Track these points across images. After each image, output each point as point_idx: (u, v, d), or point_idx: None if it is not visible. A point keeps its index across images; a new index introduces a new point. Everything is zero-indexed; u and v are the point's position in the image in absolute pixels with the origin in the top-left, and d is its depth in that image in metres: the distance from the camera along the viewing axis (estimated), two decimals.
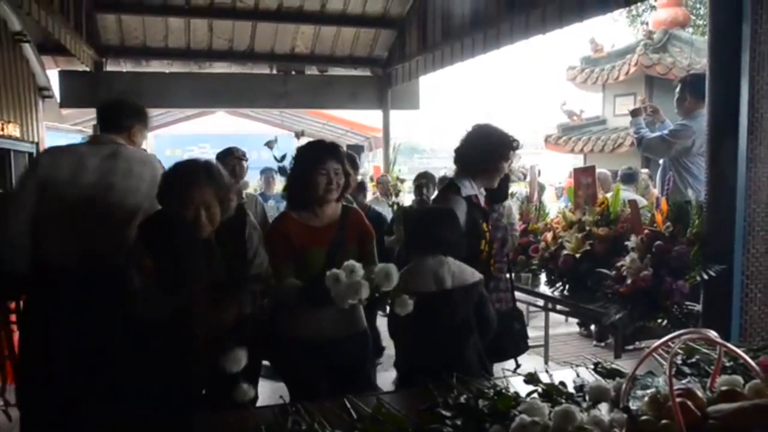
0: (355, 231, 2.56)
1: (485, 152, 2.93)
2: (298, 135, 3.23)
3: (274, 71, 8.83)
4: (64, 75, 7.99)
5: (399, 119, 9.76)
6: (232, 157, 4.16)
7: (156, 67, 8.54)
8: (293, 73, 8.84)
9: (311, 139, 2.90)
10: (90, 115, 9.29)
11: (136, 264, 2.19)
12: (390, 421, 1.46)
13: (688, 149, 4.00)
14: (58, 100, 8.14)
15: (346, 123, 14.72)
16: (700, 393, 1.29)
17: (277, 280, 2.38)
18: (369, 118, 12.71)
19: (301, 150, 2.57)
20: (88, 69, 7.69)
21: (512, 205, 4.22)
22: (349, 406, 1.60)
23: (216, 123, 15.68)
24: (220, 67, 8.67)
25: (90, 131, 9.37)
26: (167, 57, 8.36)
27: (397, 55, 8.53)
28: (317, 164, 2.44)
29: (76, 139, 9.90)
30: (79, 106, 8.90)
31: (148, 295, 2.16)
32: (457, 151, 3.03)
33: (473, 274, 2.50)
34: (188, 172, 2.20)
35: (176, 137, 16.81)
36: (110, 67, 8.10)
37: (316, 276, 2.24)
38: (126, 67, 8.41)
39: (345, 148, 2.73)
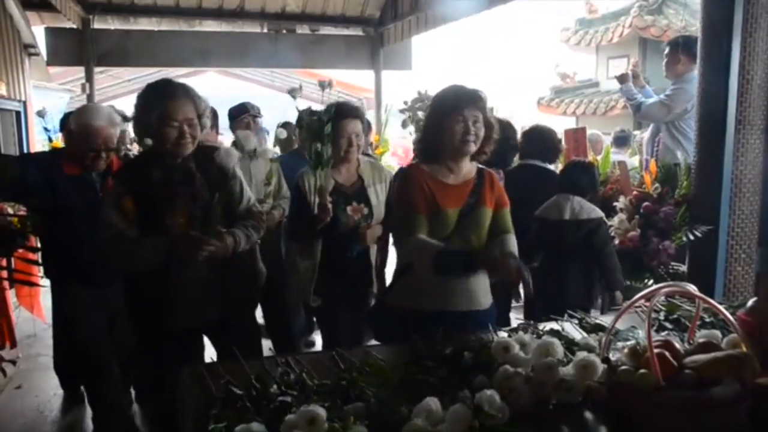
0: (491, 194, 2.25)
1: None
2: (294, 93, 2.83)
3: (265, 30, 8.69)
4: (50, 32, 7.81)
5: (391, 80, 9.66)
6: (247, 114, 4.03)
7: (144, 24, 8.35)
8: (284, 32, 8.70)
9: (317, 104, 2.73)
10: (78, 73, 9.12)
11: (114, 206, 2.10)
12: (376, 372, 1.49)
13: (686, 112, 3.98)
14: (45, 57, 7.99)
15: (338, 83, 14.53)
16: (678, 345, 1.33)
17: (408, 232, 2.09)
18: (361, 78, 12.57)
19: (438, 95, 2.23)
20: (75, 26, 7.53)
21: None
22: (336, 357, 1.64)
23: (206, 83, 15.48)
24: (209, 26, 8.51)
25: (78, 90, 9.22)
26: (156, 14, 8.17)
27: (389, 15, 8.41)
28: (453, 111, 2.11)
29: (63, 98, 9.75)
30: (66, 64, 8.73)
31: (135, 240, 2.09)
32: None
33: (591, 212, 3.13)
34: (166, 87, 2.10)
35: None
36: (97, 25, 7.92)
37: (447, 238, 2.11)
38: (114, 24, 8.23)
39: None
